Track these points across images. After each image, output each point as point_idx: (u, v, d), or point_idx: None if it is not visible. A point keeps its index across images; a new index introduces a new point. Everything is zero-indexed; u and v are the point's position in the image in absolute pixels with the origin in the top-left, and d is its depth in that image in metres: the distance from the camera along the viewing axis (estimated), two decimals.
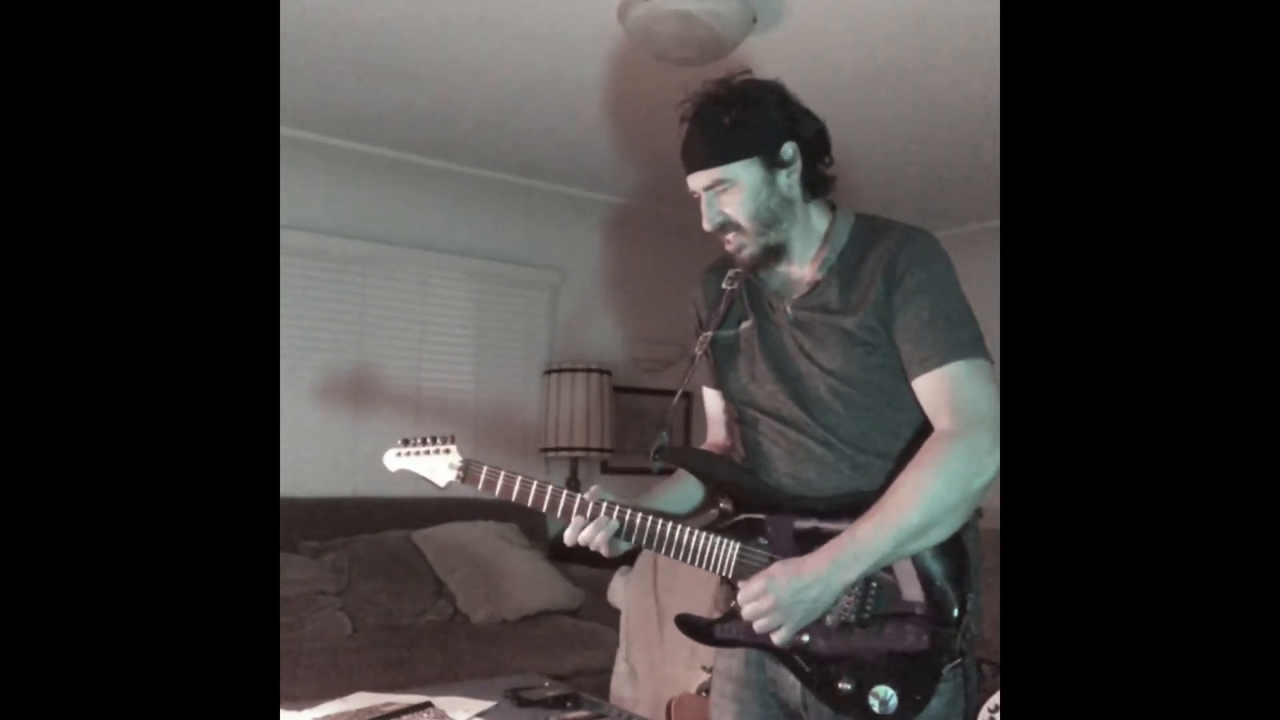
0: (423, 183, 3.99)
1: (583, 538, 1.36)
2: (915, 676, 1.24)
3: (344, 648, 2.93)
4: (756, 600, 1.26)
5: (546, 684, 2.02)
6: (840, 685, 1.27)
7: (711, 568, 1.34)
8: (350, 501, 3.61)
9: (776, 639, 1.27)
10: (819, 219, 1.40)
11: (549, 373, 4.11)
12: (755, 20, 2.46)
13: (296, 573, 3.13)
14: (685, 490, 1.49)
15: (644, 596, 2.89)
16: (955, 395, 1.24)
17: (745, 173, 1.32)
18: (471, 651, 3.06)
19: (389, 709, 1.77)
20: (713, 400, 1.55)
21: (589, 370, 4.01)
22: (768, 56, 2.69)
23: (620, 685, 2.88)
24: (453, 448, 1.46)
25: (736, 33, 2.46)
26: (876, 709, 1.24)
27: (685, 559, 1.35)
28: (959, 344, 1.25)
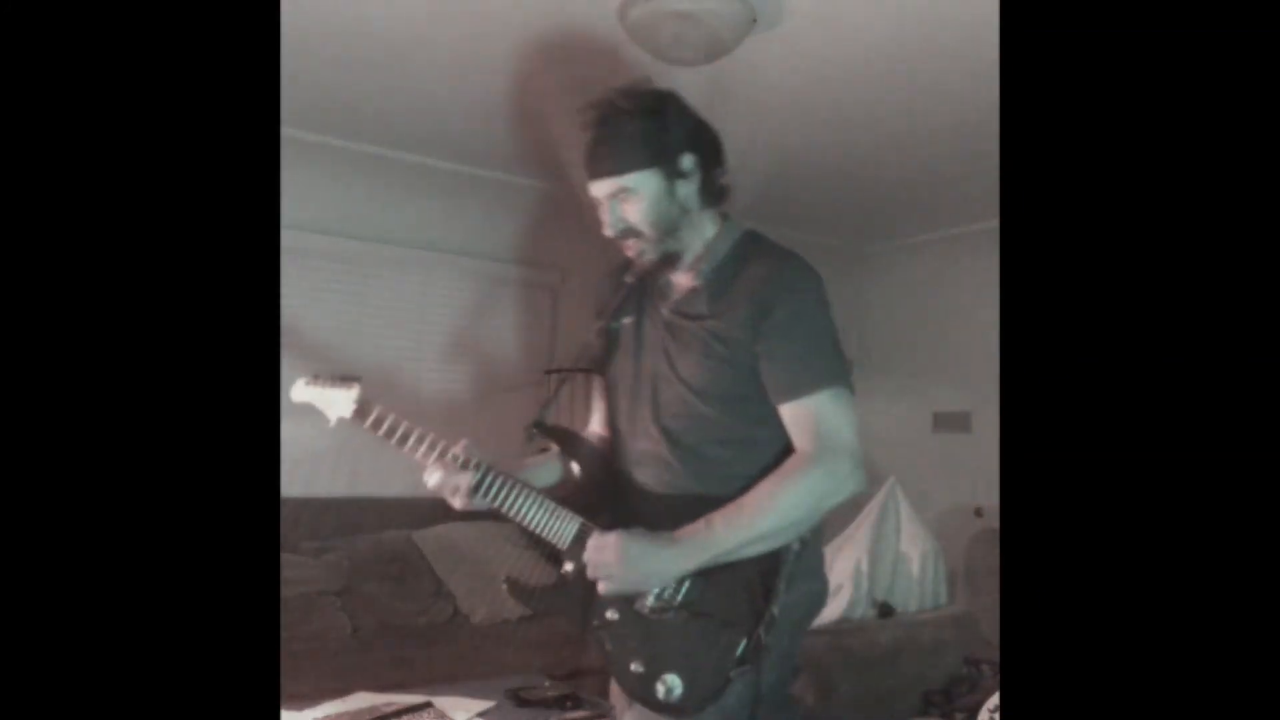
0: (423, 182, 3.99)
1: (442, 485, 1.42)
2: (705, 673, 1.28)
3: (344, 648, 2.93)
4: (603, 550, 1.31)
5: (547, 684, 2.02)
6: (633, 666, 1.32)
7: (550, 537, 1.41)
8: (350, 501, 3.60)
9: (603, 588, 1.32)
10: (709, 228, 1.45)
11: (549, 372, 4.11)
12: (755, 20, 2.46)
13: (296, 573, 3.13)
14: (549, 467, 1.54)
15: None
16: (819, 423, 1.30)
17: (647, 182, 1.36)
18: (471, 651, 3.06)
19: (389, 709, 1.77)
20: (598, 388, 1.61)
21: (589, 370, 4.00)
22: (768, 56, 2.69)
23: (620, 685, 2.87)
24: (356, 386, 1.54)
25: (736, 33, 2.46)
26: (660, 695, 1.28)
27: (529, 524, 1.41)
28: (823, 374, 1.31)
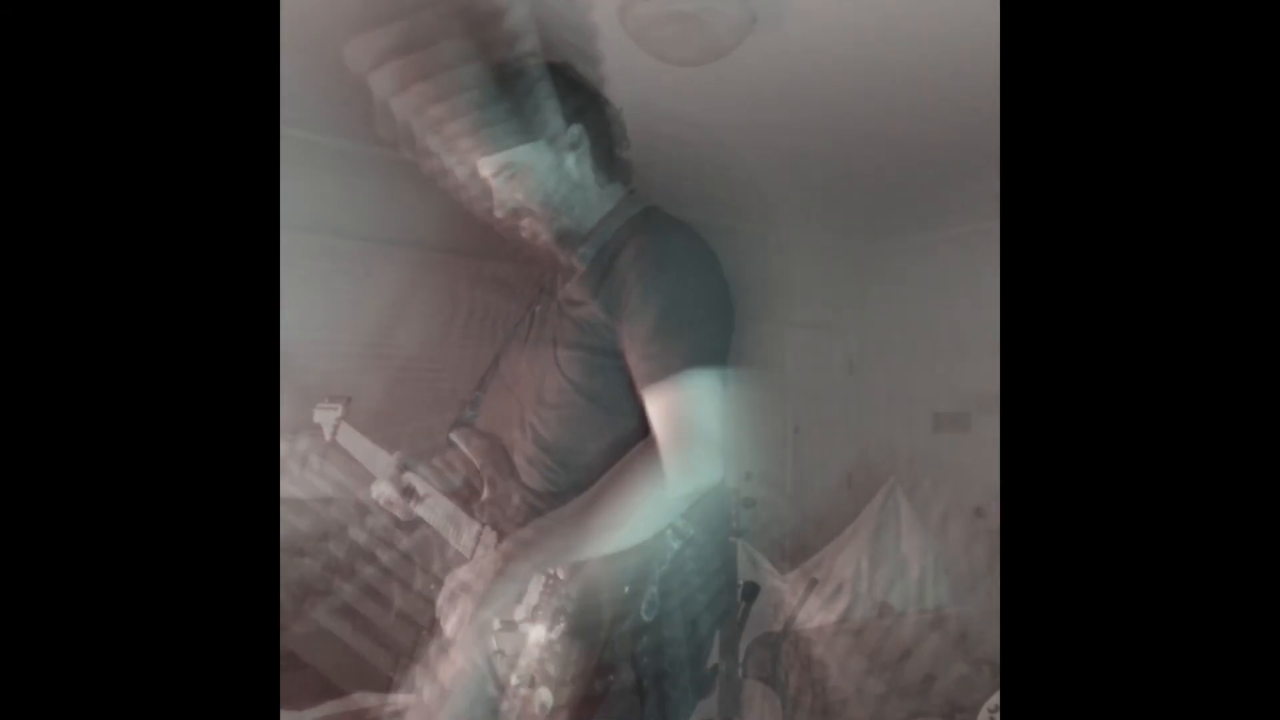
0: (423, 183, 3.98)
1: (378, 496, 1.42)
2: (573, 686, 1.18)
3: (344, 648, 2.93)
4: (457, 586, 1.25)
5: None
6: (513, 680, 1.23)
7: (459, 546, 1.36)
8: (352, 501, 3.60)
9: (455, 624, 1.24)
10: (606, 204, 1.36)
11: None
12: (755, 20, 2.46)
13: (297, 572, 3.13)
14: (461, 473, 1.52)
15: None
16: (676, 410, 1.17)
17: (533, 156, 1.28)
18: None
19: (389, 709, 1.77)
20: (506, 395, 1.56)
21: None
22: (768, 56, 2.69)
23: None
24: (340, 406, 1.58)
25: (736, 33, 2.46)
26: (536, 711, 1.20)
27: (446, 533, 1.38)
28: (684, 356, 1.17)
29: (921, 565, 3.39)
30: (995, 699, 2.53)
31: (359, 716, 1.75)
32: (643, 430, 1.22)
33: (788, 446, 5.32)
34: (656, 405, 1.19)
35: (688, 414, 1.17)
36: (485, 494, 1.39)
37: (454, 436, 1.44)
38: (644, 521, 1.18)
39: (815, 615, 3.10)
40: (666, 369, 1.17)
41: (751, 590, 2.83)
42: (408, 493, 1.40)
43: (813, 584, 3.05)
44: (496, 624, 1.23)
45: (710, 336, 1.22)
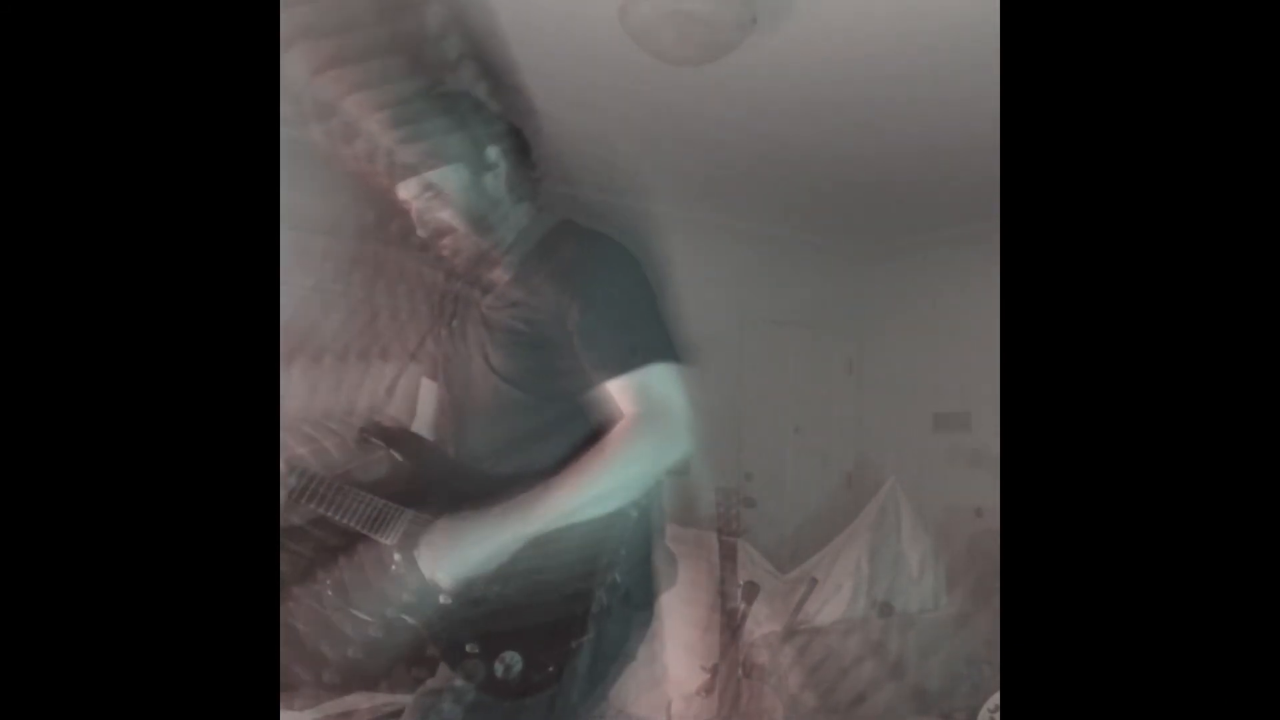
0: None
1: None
2: (544, 647, 1.26)
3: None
4: (432, 538, 1.29)
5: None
6: (468, 648, 1.28)
7: (378, 534, 1.36)
8: None
9: (440, 575, 1.28)
10: (522, 220, 1.45)
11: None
12: (755, 20, 2.46)
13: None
14: (380, 466, 1.49)
15: None
16: (647, 391, 1.29)
17: (453, 177, 1.36)
18: None
19: (389, 709, 1.77)
20: (427, 392, 1.59)
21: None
22: (768, 56, 2.69)
23: (621, 685, 2.87)
24: None
25: (736, 33, 2.46)
26: (500, 674, 1.25)
27: (355, 524, 1.37)
28: (647, 349, 1.30)
29: (921, 565, 3.40)
30: (995, 699, 2.53)
31: (359, 717, 1.75)
32: (575, 414, 1.34)
33: (788, 446, 5.33)
34: (628, 389, 1.29)
35: (662, 394, 1.29)
36: (411, 480, 1.43)
37: (365, 433, 1.46)
38: (632, 485, 1.29)
39: (816, 615, 3.11)
40: (637, 359, 1.29)
41: (751, 590, 2.84)
42: (304, 491, 1.38)
43: (813, 584, 3.06)
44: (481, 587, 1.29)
45: (666, 329, 1.35)
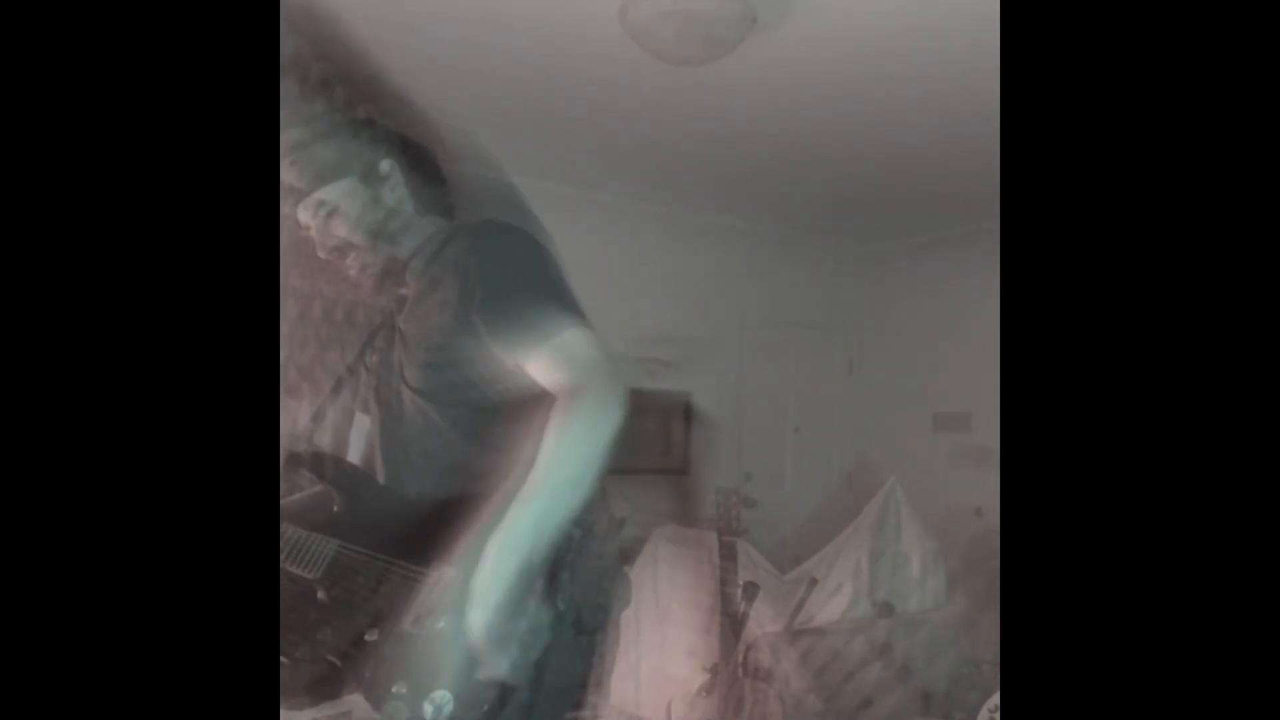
0: None
1: None
2: (477, 685, 1.15)
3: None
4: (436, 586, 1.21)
5: None
6: (394, 689, 1.18)
7: (304, 567, 1.28)
8: None
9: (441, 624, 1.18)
10: (429, 230, 1.42)
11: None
12: (755, 20, 2.46)
13: None
14: (309, 495, 1.43)
15: (644, 597, 2.89)
16: (569, 358, 1.23)
17: (346, 192, 1.35)
18: None
19: None
20: (359, 425, 1.53)
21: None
22: (768, 56, 2.70)
23: (621, 685, 2.88)
24: None
25: (736, 33, 2.46)
26: (430, 716, 1.14)
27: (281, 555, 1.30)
28: (558, 319, 1.24)
29: (921, 565, 3.40)
30: (995, 699, 2.53)
31: (359, 717, 1.75)
32: (495, 424, 1.29)
33: (788, 446, 5.33)
34: (548, 361, 1.24)
35: (584, 356, 1.24)
36: (337, 509, 1.36)
37: (290, 463, 1.41)
38: (592, 461, 1.19)
39: (816, 615, 3.11)
40: (550, 330, 1.24)
41: (752, 590, 2.84)
42: None
43: (813, 584, 3.05)
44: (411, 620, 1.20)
45: (573, 300, 1.29)
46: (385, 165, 1.38)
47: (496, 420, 1.30)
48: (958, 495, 4.22)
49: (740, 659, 2.67)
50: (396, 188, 1.39)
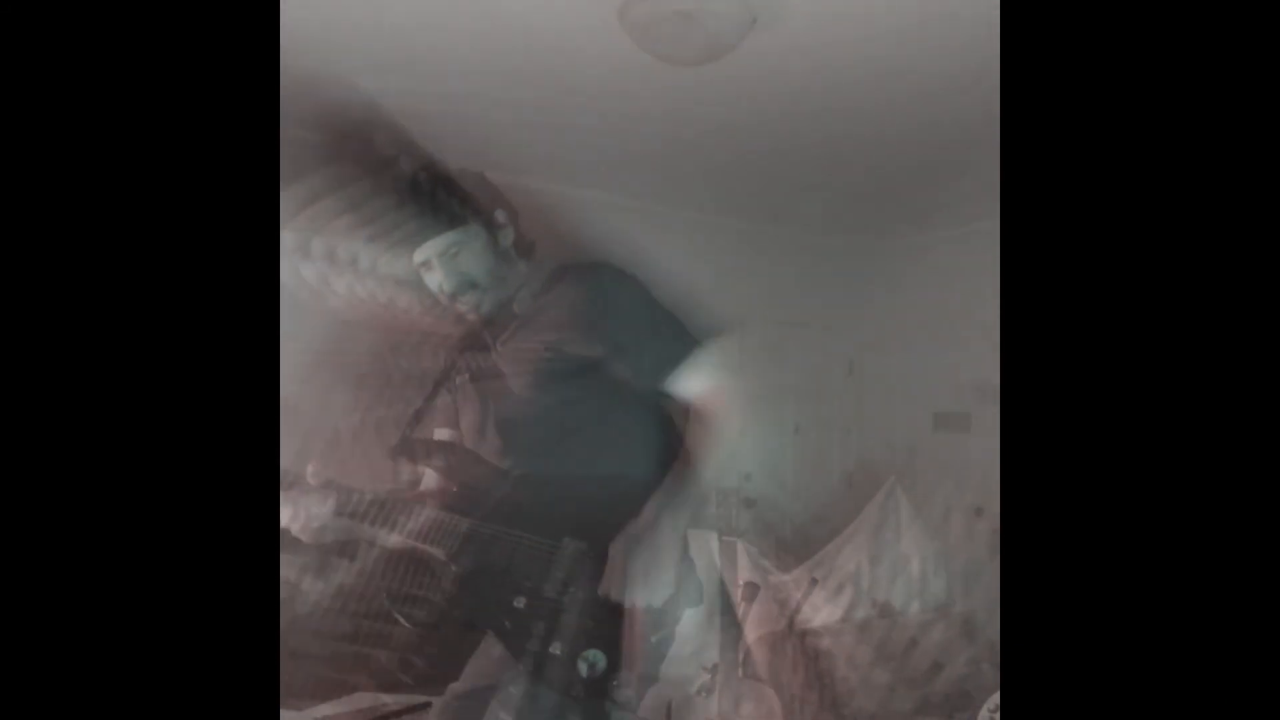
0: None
1: (294, 517, 1.34)
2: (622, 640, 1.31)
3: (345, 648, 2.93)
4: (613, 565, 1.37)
5: None
6: (551, 649, 1.31)
7: (434, 544, 1.41)
8: None
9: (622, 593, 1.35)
10: (523, 271, 1.60)
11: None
12: (755, 20, 2.46)
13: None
14: (423, 479, 1.60)
15: None
16: (701, 376, 1.49)
17: (476, 236, 1.50)
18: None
19: (389, 709, 1.77)
20: (442, 437, 1.66)
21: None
22: (768, 56, 2.69)
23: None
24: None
25: (736, 33, 2.46)
26: (585, 673, 1.27)
27: (408, 535, 1.41)
28: (680, 345, 1.50)
29: (921, 565, 3.39)
30: (995, 699, 2.53)
31: (359, 716, 1.75)
32: (608, 417, 1.49)
33: (788, 446, 5.32)
34: (684, 383, 1.49)
35: (709, 374, 1.50)
36: (461, 492, 1.50)
37: (399, 452, 1.56)
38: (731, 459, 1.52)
39: (817, 615, 3.10)
40: (676, 359, 1.47)
41: (752, 590, 2.84)
42: (346, 507, 1.39)
43: (814, 584, 3.05)
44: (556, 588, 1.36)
45: (679, 323, 1.54)
46: (501, 214, 1.55)
47: (589, 412, 1.49)
48: (958, 495, 4.22)
49: (740, 659, 2.67)
50: (509, 234, 1.55)
